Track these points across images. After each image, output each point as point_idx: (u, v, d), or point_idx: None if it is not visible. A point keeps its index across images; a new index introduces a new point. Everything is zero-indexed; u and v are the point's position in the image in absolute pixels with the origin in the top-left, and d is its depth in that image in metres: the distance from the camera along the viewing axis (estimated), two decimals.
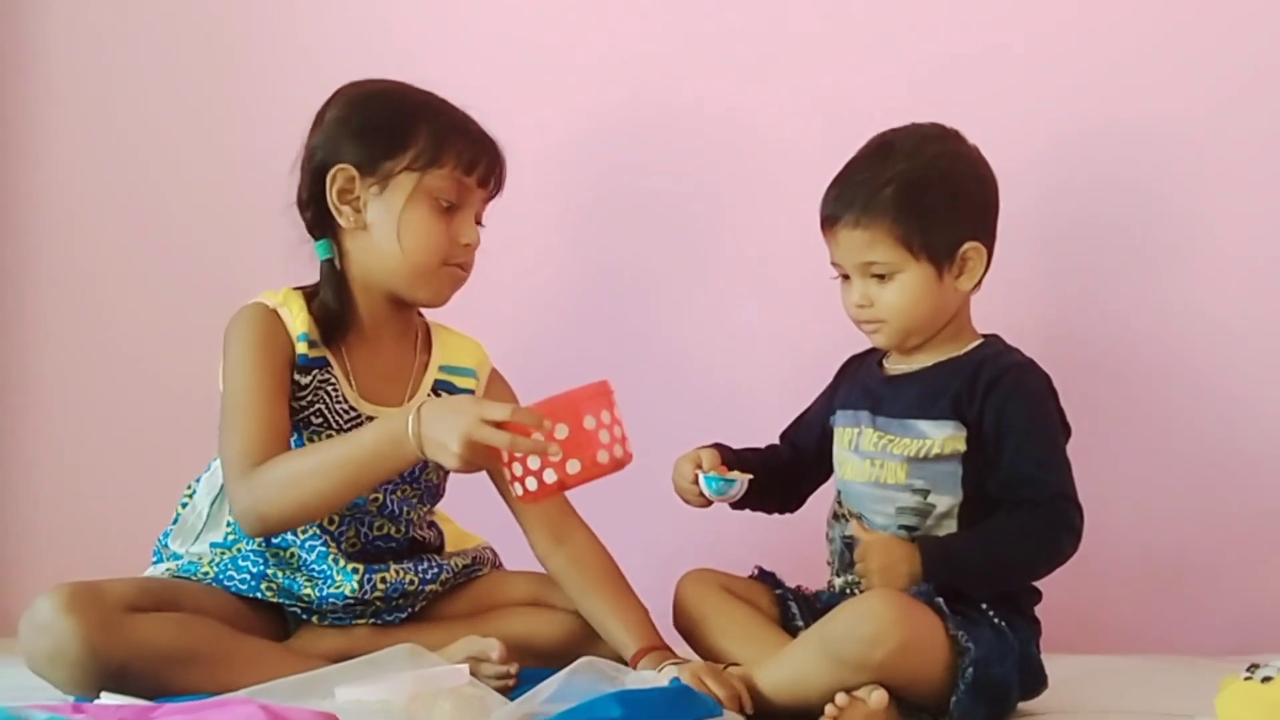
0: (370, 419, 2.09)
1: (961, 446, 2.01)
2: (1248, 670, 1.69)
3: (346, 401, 2.11)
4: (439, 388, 2.20)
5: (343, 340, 2.13)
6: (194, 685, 1.90)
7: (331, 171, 2.11)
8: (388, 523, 2.16)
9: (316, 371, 2.10)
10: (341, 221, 2.11)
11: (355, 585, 2.07)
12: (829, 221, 2.08)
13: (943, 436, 2.02)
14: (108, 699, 1.80)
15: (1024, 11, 2.59)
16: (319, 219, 2.14)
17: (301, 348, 2.09)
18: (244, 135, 2.75)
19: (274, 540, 2.10)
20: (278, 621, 2.12)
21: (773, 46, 2.64)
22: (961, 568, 1.96)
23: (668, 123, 2.67)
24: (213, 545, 2.13)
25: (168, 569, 2.10)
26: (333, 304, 2.12)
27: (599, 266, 2.71)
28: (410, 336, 2.22)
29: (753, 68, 2.64)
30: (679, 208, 2.67)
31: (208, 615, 1.98)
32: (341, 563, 2.08)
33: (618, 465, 1.86)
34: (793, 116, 2.62)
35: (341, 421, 2.11)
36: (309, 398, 2.10)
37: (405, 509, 2.17)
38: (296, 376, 2.09)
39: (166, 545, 2.16)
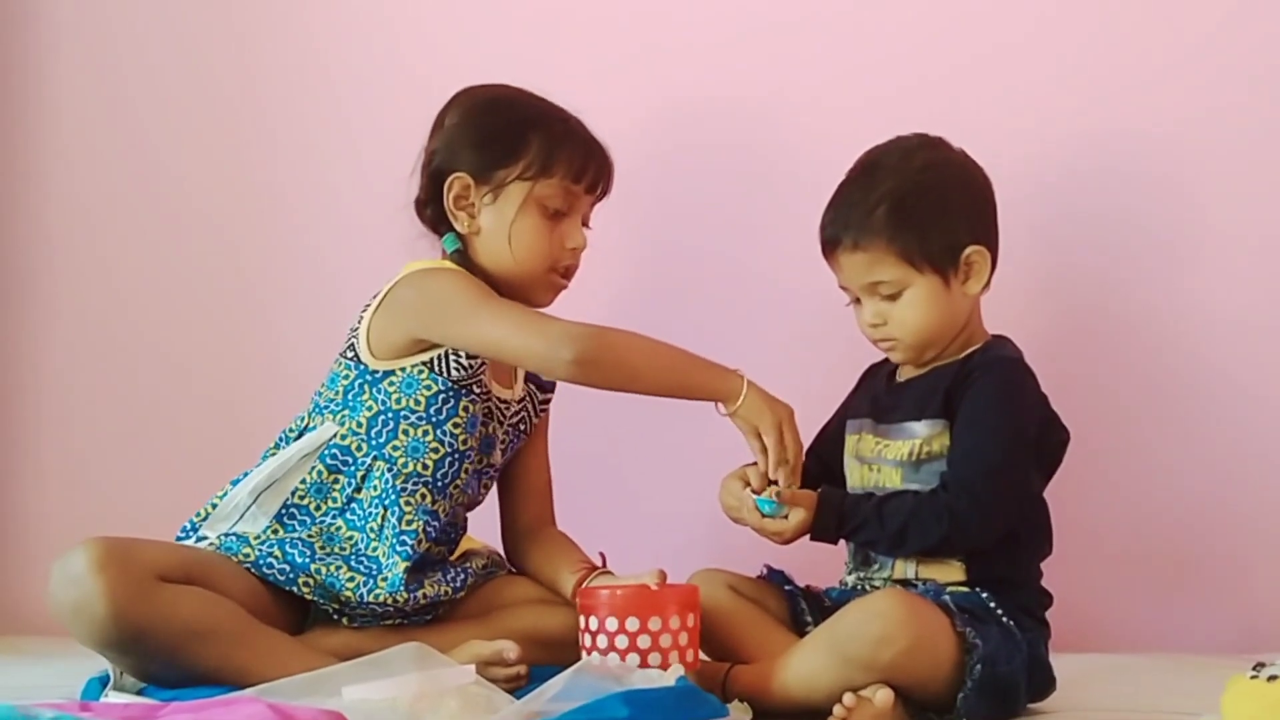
0: (500, 400, 2.19)
1: (948, 442, 2.02)
2: (1253, 669, 1.69)
3: (485, 375, 2.17)
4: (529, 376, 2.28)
5: None
6: (208, 662, 1.91)
7: (449, 179, 2.18)
8: (463, 508, 2.21)
9: None
10: (457, 226, 2.19)
11: (401, 589, 2.07)
12: (828, 247, 2.10)
13: (929, 434, 2.03)
14: (115, 697, 1.81)
15: (1036, 13, 2.59)
16: (438, 219, 2.22)
17: None
18: (259, 129, 2.77)
19: (332, 526, 2.12)
20: (297, 611, 2.12)
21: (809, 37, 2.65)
22: (852, 519, 2.02)
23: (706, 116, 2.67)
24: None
25: (211, 544, 2.09)
26: None
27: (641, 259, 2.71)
28: None
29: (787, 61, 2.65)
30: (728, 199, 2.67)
31: (232, 597, 1.98)
32: (399, 566, 2.08)
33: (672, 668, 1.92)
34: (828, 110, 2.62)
35: (483, 398, 2.16)
36: (481, 363, 2.15)
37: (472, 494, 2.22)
38: None
39: (196, 530, 2.15)
